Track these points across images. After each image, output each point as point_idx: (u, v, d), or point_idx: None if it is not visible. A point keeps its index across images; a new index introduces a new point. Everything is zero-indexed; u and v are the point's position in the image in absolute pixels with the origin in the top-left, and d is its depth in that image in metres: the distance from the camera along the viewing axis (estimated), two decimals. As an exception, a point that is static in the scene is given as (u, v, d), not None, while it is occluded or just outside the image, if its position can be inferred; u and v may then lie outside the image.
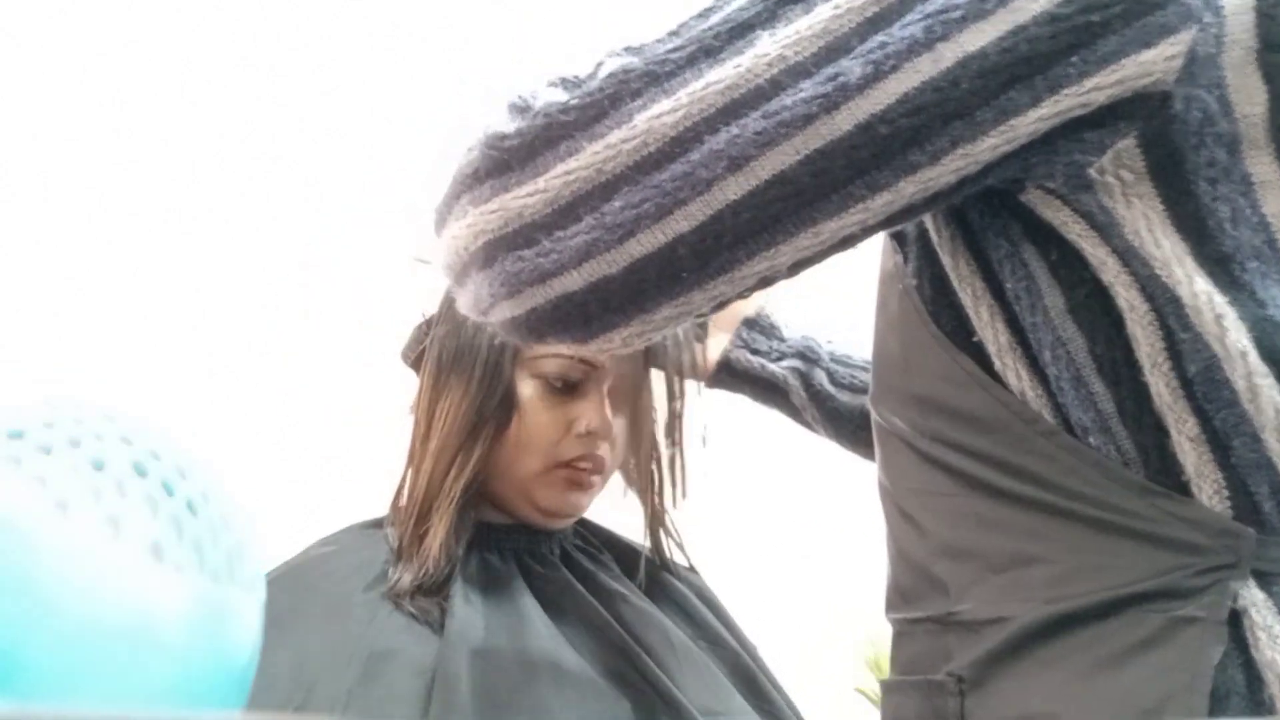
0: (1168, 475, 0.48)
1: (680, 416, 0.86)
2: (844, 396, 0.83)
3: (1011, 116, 0.45)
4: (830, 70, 0.45)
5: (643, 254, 0.47)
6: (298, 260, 1.24)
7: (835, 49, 0.45)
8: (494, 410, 0.80)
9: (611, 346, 0.51)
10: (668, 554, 0.89)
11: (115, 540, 0.37)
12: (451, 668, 0.70)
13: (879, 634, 2.07)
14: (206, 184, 1.17)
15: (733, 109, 0.46)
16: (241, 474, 0.49)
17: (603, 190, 0.47)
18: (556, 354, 0.82)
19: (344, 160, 1.32)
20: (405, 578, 0.77)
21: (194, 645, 0.39)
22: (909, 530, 0.57)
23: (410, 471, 0.85)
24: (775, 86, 0.45)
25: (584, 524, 0.91)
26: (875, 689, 1.88)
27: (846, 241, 0.49)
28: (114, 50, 1.12)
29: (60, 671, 0.35)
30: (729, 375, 0.86)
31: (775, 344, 0.86)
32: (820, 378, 0.84)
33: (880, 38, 0.45)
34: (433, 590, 0.76)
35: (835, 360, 0.84)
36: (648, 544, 0.88)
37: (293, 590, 0.75)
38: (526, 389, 0.82)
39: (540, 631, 0.75)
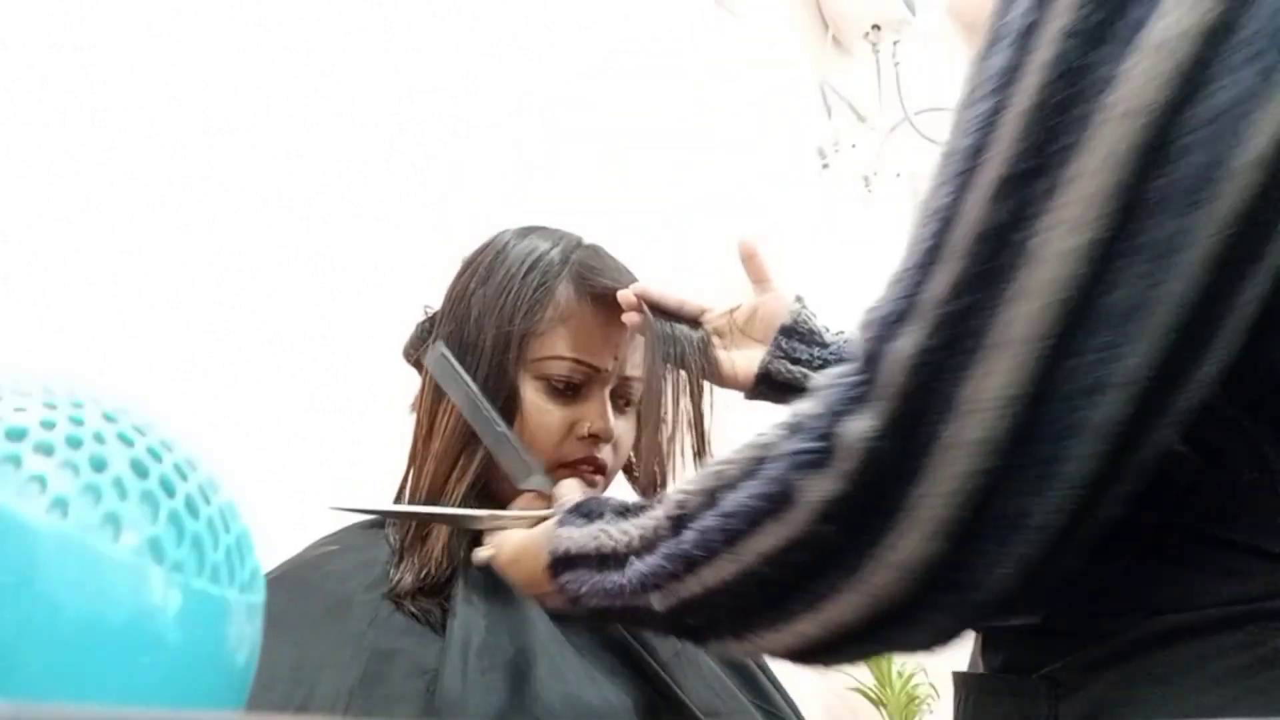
0: None
1: (701, 423, 0.83)
2: None
3: None
4: (1138, 241, 0.39)
5: (1043, 522, 0.42)
6: (298, 258, 1.24)
7: (1123, 212, 0.39)
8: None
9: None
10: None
11: (115, 540, 0.37)
12: (453, 668, 0.70)
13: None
14: (208, 182, 1.17)
15: (1057, 337, 0.40)
16: (241, 474, 0.49)
17: (982, 494, 0.41)
18: (559, 356, 0.81)
19: (350, 157, 1.32)
20: (407, 578, 0.76)
21: (193, 645, 0.39)
22: None
23: (412, 472, 0.85)
24: (1084, 289, 0.40)
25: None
26: (874, 688, 1.89)
27: None
28: (116, 50, 1.12)
29: (59, 671, 0.35)
30: (769, 387, 0.83)
31: (817, 350, 0.83)
32: None
33: (1166, 173, 0.39)
34: (434, 591, 0.76)
35: None
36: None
37: (293, 590, 0.75)
38: (529, 391, 0.81)
39: (542, 632, 0.75)
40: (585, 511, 0.62)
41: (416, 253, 1.34)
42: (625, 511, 0.58)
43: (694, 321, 0.85)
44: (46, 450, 0.38)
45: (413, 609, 0.75)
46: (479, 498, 0.82)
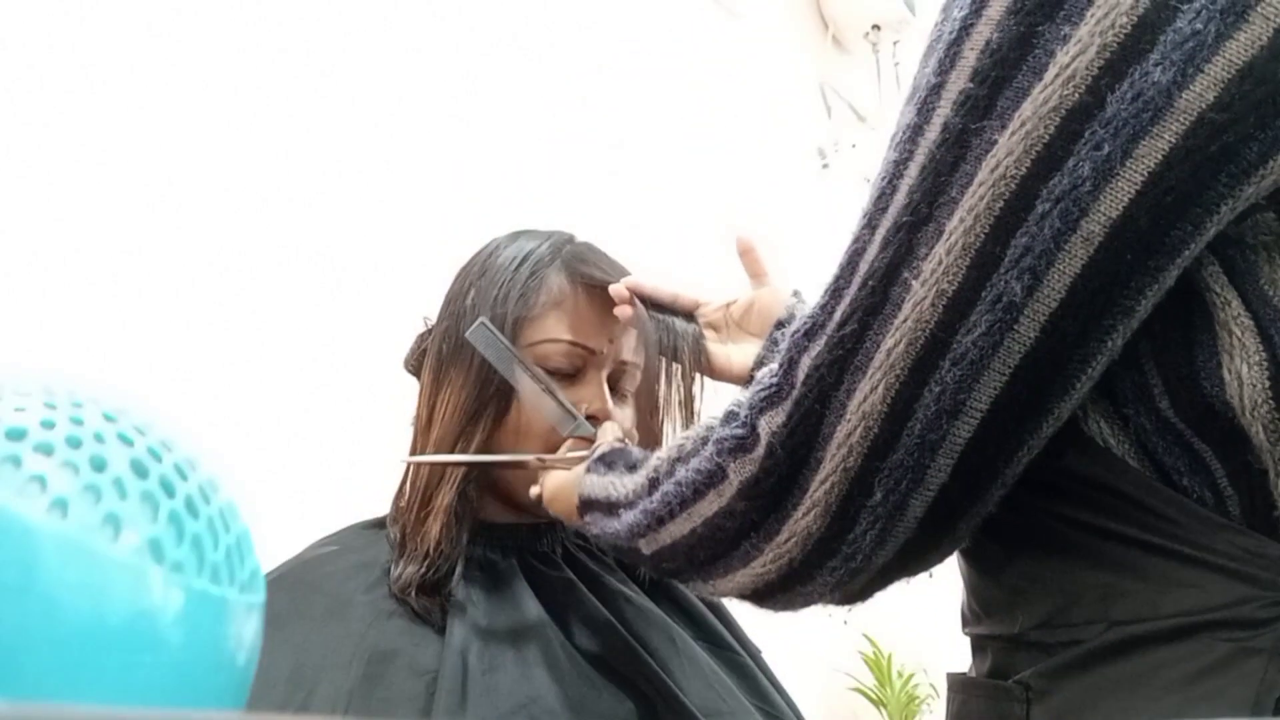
0: (1256, 513, 0.48)
1: (692, 412, 0.86)
2: None
3: (1180, 251, 0.46)
4: (991, 294, 0.46)
5: (921, 515, 0.50)
6: (298, 259, 1.24)
7: (984, 265, 0.46)
8: (493, 396, 0.80)
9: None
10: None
11: (115, 540, 0.37)
12: (452, 668, 0.70)
13: (878, 633, 2.08)
14: (208, 180, 1.17)
15: (921, 366, 0.47)
16: (241, 474, 0.49)
17: (861, 486, 0.50)
18: (554, 339, 0.82)
19: (351, 158, 1.32)
20: (409, 569, 0.77)
21: (193, 645, 0.39)
22: (991, 552, 0.57)
23: (412, 464, 0.86)
24: (947, 329, 0.47)
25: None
26: (874, 688, 1.88)
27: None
28: (116, 50, 1.12)
29: (59, 671, 0.35)
30: None
31: None
32: None
33: (1023, 240, 0.45)
34: (434, 587, 0.76)
35: None
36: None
37: (293, 590, 0.75)
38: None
39: (542, 631, 0.75)
40: (607, 461, 0.70)
41: (417, 251, 1.34)
42: (633, 466, 0.66)
43: (688, 315, 0.85)
44: (46, 450, 0.38)
45: (414, 605, 0.75)
46: (478, 487, 0.82)
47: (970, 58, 0.47)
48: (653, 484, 0.61)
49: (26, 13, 1.06)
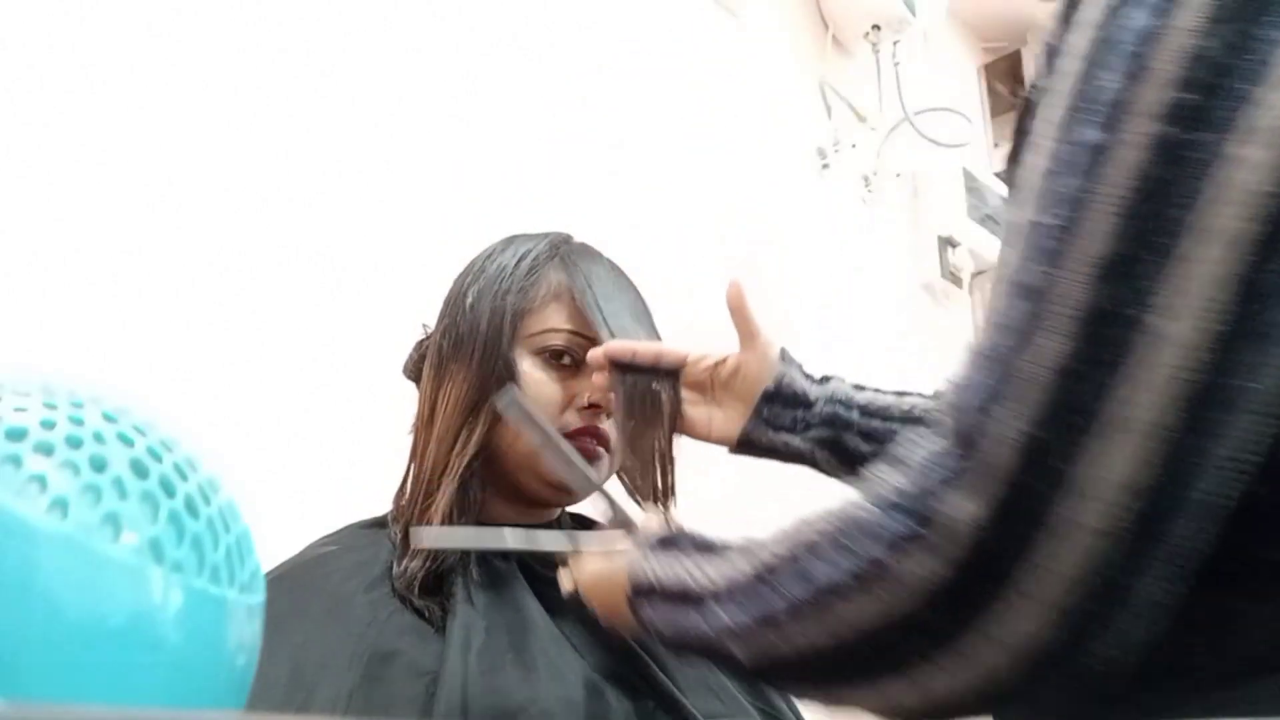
0: None
1: (668, 473, 0.84)
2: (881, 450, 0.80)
3: None
4: (1261, 325, 0.40)
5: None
6: (298, 258, 1.24)
7: (1252, 294, 0.40)
8: (495, 387, 0.80)
9: None
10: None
11: (115, 540, 0.37)
12: (453, 669, 0.70)
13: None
14: (208, 179, 1.17)
15: (1194, 417, 0.40)
16: (241, 474, 0.49)
17: (1120, 572, 0.41)
18: (555, 329, 0.83)
19: (351, 159, 1.32)
20: (411, 564, 0.77)
21: (193, 645, 0.39)
22: None
23: (414, 463, 0.86)
24: (1220, 371, 0.40)
25: (586, 524, 0.91)
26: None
27: None
28: (116, 50, 1.12)
29: (60, 671, 0.35)
30: (751, 450, 0.84)
31: (800, 413, 0.81)
32: (853, 442, 0.80)
33: None
34: (436, 586, 0.77)
35: (868, 414, 0.80)
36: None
37: (293, 590, 0.75)
38: (527, 365, 0.82)
39: (542, 632, 0.75)
40: (667, 544, 0.62)
41: (416, 252, 1.33)
42: (706, 548, 0.58)
43: (672, 374, 0.83)
44: (46, 450, 0.38)
45: (415, 605, 0.75)
46: (480, 473, 0.82)
47: (1169, 68, 0.41)
48: (761, 579, 0.51)
49: (26, 13, 1.06)
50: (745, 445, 0.84)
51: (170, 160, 1.15)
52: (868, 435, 0.80)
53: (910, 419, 0.78)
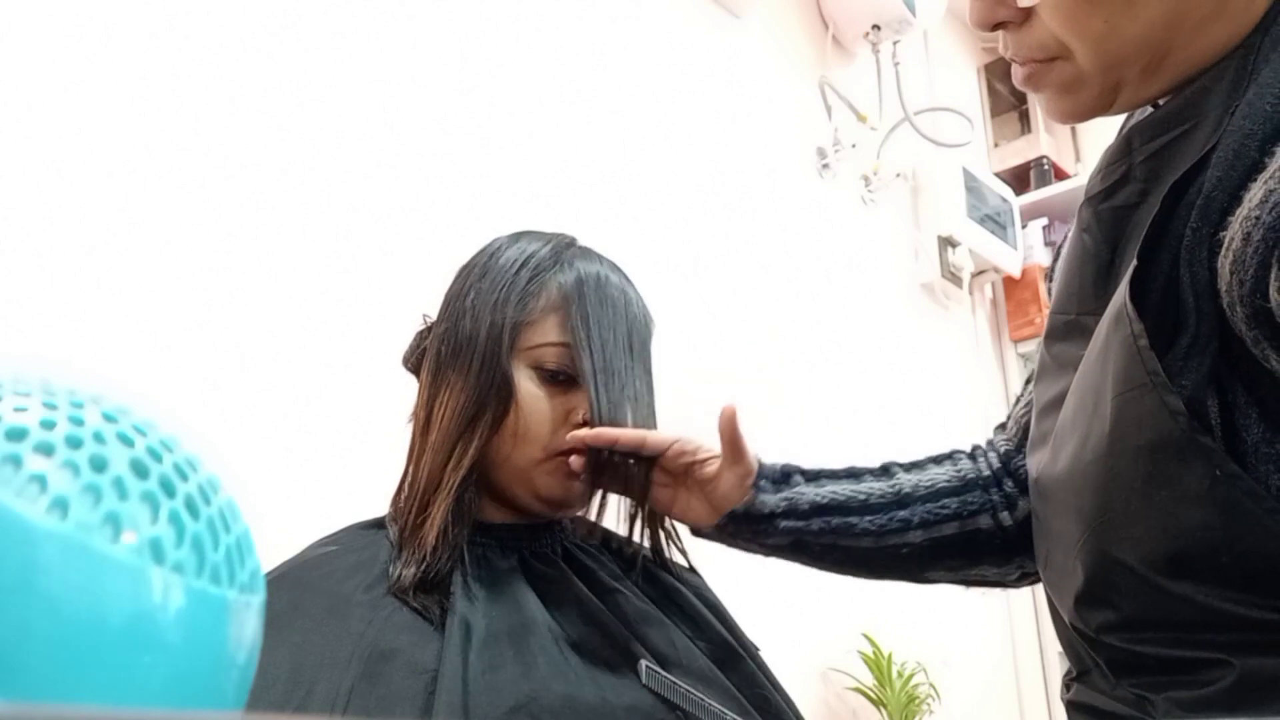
0: None
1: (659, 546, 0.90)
2: (865, 542, 0.84)
3: None
4: None
5: None
6: (299, 259, 1.24)
7: None
8: (491, 400, 0.81)
9: None
10: (666, 554, 0.89)
11: (115, 540, 0.37)
12: (452, 667, 0.70)
13: (878, 633, 2.07)
14: (208, 179, 1.17)
15: None
16: (241, 474, 0.49)
17: None
18: (552, 343, 0.83)
19: (351, 160, 1.32)
20: (407, 571, 0.77)
21: (193, 645, 0.39)
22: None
23: (410, 466, 0.86)
24: None
25: (589, 526, 0.91)
26: (874, 688, 1.89)
27: None
28: (117, 51, 1.12)
29: (59, 671, 0.35)
30: (709, 538, 0.88)
31: (762, 526, 0.85)
32: (813, 549, 0.85)
33: None
34: (434, 586, 0.77)
35: (826, 512, 0.84)
36: (646, 544, 0.89)
37: (293, 590, 0.75)
38: (523, 379, 0.82)
39: (542, 630, 0.75)
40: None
41: (417, 251, 1.34)
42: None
43: (650, 460, 0.84)
44: (46, 450, 0.38)
45: (414, 603, 0.75)
46: (477, 489, 0.82)
47: None
48: None
49: (27, 13, 1.06)
50: (704, 537, 0.89)
51: (171, 160, 1.15)
52: (825, 545, 0.84)
53: (867, 508, 0.84)
